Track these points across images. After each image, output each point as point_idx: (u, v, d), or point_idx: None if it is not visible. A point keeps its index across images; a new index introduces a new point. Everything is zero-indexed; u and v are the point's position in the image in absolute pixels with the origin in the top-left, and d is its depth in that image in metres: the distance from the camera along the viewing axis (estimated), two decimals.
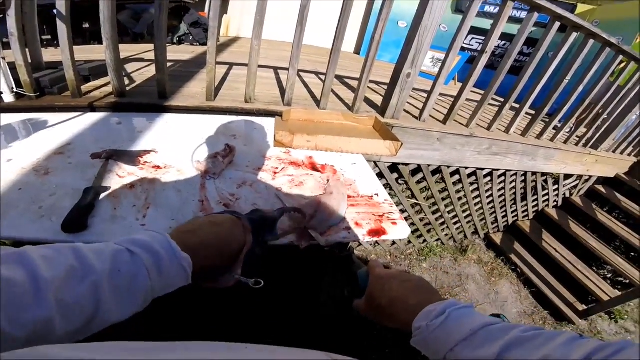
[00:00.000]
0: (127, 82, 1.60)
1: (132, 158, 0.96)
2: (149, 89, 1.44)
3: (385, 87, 1.81)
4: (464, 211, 2.84)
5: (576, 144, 2.65)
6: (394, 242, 2.84)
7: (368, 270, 0.61)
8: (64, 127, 1.11)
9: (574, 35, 1.80)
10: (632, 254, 2.94)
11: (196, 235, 0.48)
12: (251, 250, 0.54)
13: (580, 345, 0.33)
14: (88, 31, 2.93)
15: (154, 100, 1.34)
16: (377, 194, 1.05)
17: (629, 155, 3.17)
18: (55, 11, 1.16)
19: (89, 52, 2.19)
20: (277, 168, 1.04)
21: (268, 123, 1.36)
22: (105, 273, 0.35)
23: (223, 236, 0.50)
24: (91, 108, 1.33)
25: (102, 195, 0.81)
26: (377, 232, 0.91)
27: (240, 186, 0.91)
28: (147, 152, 1.00)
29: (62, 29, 1.18)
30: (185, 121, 1.25)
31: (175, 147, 1.05)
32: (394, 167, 2.08)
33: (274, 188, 0.93)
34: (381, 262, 2.90)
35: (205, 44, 3.03)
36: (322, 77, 1.61)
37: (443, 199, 2.55)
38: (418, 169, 2.18)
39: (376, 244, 2.79)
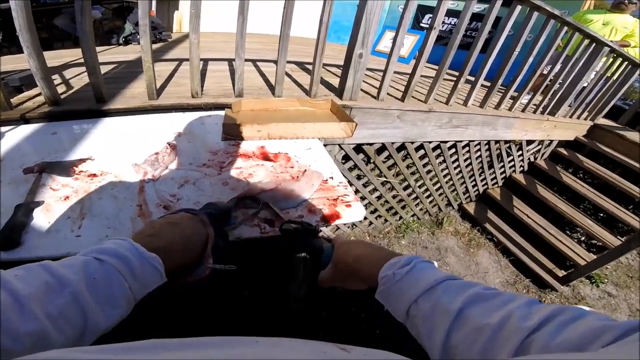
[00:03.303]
0: (64, 88, 1.49)
1: (65, 169, 0.91)
2: (86, 94, 1.35)
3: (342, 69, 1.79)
4: (434, 184, 2.89)
5: (534, 112, 2.75)
6: (371, 223, 2.87)
7: (333, 244, 0.61)
8: None
9: (520, 8, 1.84)
10: (601, 214, 3.07)
11: (160, 237, 0.49)
12: (215, 242, 0.57)
13: (539, 308, 0.34)
14: None
15: (91, 105, 1.26)
16: (331, 177, 1.05)
17: (585, 119, 3.33)
18: None
19: (25, 61, 2.04)
20: (223, 162, 1.00)
21: (217, 117, 1.31)
22: (81, 283, 0.36)
23: (187, 234, 0.52)
24: (24, 120, 1.23)
25: (36, 210, 0.77)
26: (331, 216, 0.90)
27: (182, 185, 0.87)
28: (82, 160, 0.94)
29: None
30: (125, 124, 1.18)
31: (113, 152, 0.99)
32: (359, 148, 2.08)
33: (220, 183, 0.90)
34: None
35: (154, 42, 2.89)
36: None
37: (412, 174, 2.59)
38: (383, 148, 2.19)
39: (354, 226, 2.81)
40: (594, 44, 2.44)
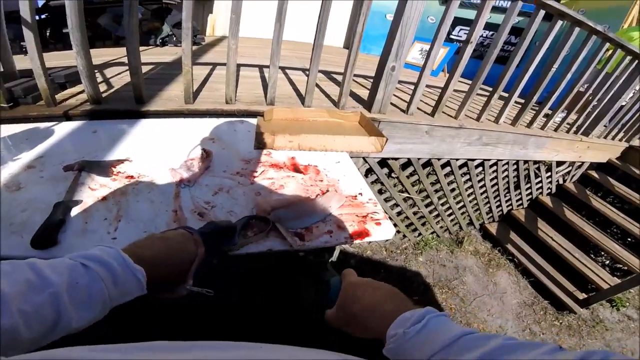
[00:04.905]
0: (105, 87, 1.56)
1: (104, 169, 0.94)
2: (126, 94, 1.40)
3: (372, 81, 1.78)
4: (457, 202, 2.82)
5: (567, 131, 2.64)
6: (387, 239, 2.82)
7: (341, 278, 0.59)
8: (37, 138, 1.08)
9: (560, 23, 1.78)
10: (629, 239, 2.92)
11: (148, 249, 0.51)
12: (205, 261, 0.57)
13: (563, 354, 0.32)
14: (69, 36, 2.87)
15: (130, 105, 1.30)
16: (361, 193, 1.03)
17: (620, 140, 3.17)
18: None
19: (69, 58, 2.14)
20: (256, 172, 1.01)
21: (250, 124, 1.33)
22: (63, 285, 0.38)
23: (174, 249, 0.54)
24: (66, 117, 1.29)
25: (74, 209, 0.79)
26: (360, 234, 0.89)
27: (217, 193, 0.88)
28: (120, 161, 0.97)
29: (28, 36, 1.14)
30: (162, 126, 1.21)
31: (150, 154, 1.01)
32: (383, 162, 2.06)
33: (252, 193, 0.90)
34: (377, 258, 2.91)
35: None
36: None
37: (435, 191, 2.54)
38: (408, 163, 2.15)
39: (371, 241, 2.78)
40: (637, 61, 2.32)
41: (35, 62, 1.20)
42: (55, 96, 1.34)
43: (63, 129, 1.16)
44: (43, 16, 2.72)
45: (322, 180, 1.06)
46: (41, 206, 0.77)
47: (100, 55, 2.27)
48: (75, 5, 1.12)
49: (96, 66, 1.93)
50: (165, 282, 0.52)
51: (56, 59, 2.03)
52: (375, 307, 0.48)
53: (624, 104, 2.77)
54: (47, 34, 2.77)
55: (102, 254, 0.44)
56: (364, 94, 1.95)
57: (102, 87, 1.53)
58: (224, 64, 1.41)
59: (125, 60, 1.29)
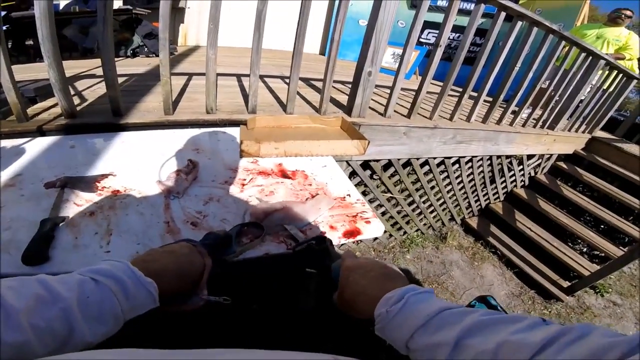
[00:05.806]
0: (78, 101, 1.51)
1: (88, 184, 0.91)
2: (102, 107, 1.36)
3: (350, 86, 1.83)
4: (438, 199, 2.92)
5: (534, 126, 2.80)
6: (375, 238, 2.88)
7: (340, 263, 0.60)
8: (11, 155, 1.03)
9: (520, 24, 1.90)
10: (602, 226, 3.09)
11: (157, 262, 0.50)
12: (212, 272, 0.57)
13: (540, 329, 0.32)
14: (32, 48, 2.76)
15: (108, 118, 1.27)
16: (349, 195, 1.06)
17: (583, 132, 3.40)
18: None
19: (34, 71, 2.05)
20: (245, 179, 1.01)
21: (233, 133, 1.33)
22: (73, 300, 0.37)
23: (182, 262, 0.53)
24: (40, 132, 1.24)
25: (61, 226, 0.77)
26: (352, 232, 0.91)
27: (207, 202, 0.88)
28: (104, 176, 0.95)
29: None
30: (143, 139, 1.19)
31: (134, 167, 1.00)
32: (365, 164, 2.11)
33: (243, 201, 0.91)
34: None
35: None
36: (288, 80, 1.60)
37: (417, 190, 2.62)
38: (389, 164, 2.22)
39: (359, 241, 2.82)
40: (591, 57, 2.51)
41: (4, 75, 1.15)
42: (27, 111, 1.29)
43: (38, 144, 1.11)
44: (4, 28, 2.60)
45: (310, 185, 1.08)
46: (25, 224, 0.74)
47: (68, 67, 2.16)
48: (46, 15, 1.08)
49: (67, 79, 1.87)
50: (176, 294, 0.51)
51: (21, 72, 1.94)
52: (363, 293, 0.49)
53: (582, 98, 2.98)
54: (9, 46, 2.65)
55: (112, 268, 0.44)
56: (344, 99, 1.99)
57: (76, 100, 1.48)
58: (201, 74, 1.40)
59: (95, 72, 1.26)
